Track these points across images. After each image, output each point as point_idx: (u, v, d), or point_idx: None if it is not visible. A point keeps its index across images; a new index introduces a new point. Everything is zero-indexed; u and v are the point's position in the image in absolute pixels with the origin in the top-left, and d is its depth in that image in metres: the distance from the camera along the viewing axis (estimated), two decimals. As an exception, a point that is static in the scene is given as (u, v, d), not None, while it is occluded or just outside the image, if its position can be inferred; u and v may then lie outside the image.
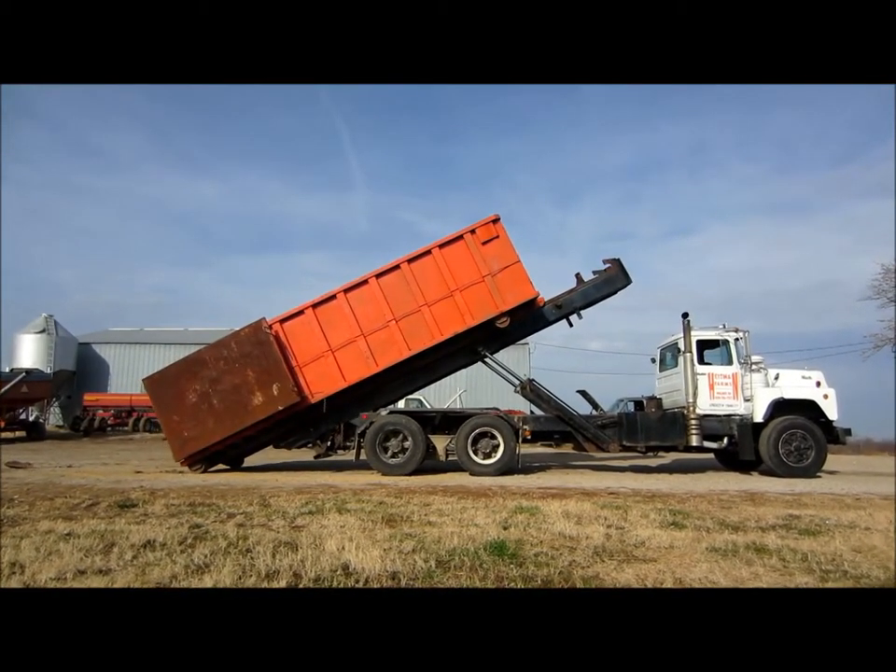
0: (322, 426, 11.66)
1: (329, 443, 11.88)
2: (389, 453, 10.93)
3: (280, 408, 10.72)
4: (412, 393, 13.45)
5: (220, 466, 11.65)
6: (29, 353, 31.14)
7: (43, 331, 31.96)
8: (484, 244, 11.02)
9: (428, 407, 20.04)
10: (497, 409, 11.81)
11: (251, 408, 10.73)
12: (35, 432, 24.75)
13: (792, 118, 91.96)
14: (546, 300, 11.87)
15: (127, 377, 35.50)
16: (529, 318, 11.94)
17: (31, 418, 27.08)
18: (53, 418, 33.36)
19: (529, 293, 11.15)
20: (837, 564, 4.10)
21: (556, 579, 3.65)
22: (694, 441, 11.13)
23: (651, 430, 11.47)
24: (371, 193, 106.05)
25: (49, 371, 29.10)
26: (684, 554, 4.36)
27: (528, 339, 30.29)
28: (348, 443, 11.67)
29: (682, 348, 11.70)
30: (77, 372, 34.28)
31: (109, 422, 30.11)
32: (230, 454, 11.66)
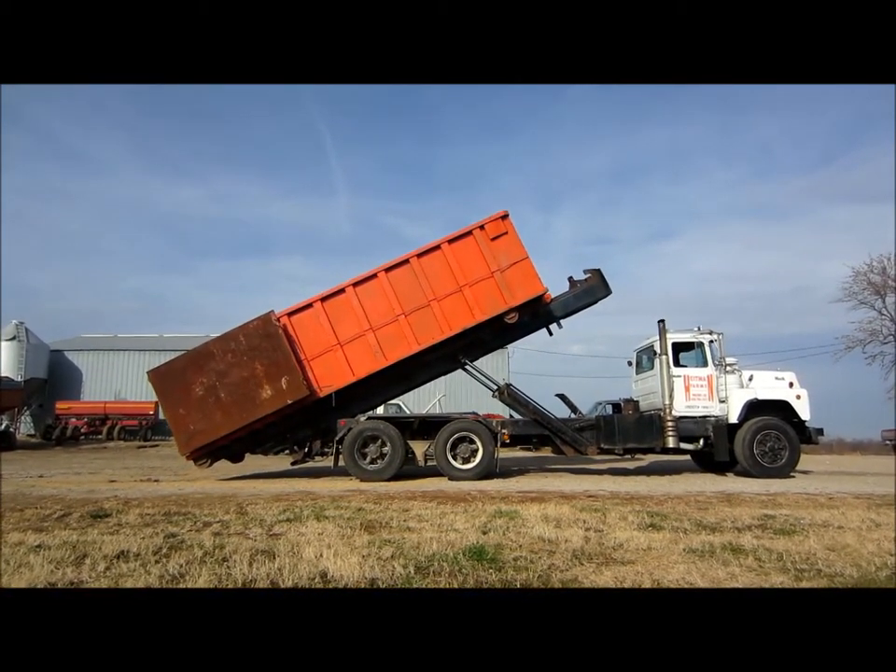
0: (330, 419, 11.47)
1: (306, 450, 11.74)
2: (368, 458, 10.87)
3: (289, 401, 10.62)
4: (394, 398, 13.40)
5: (215, 474, 11.49)
6: (-1, 361, 30.43)
7: (13, 339, 31.21)
8: (493, 239, 11.11)
9: (407, 412, 20.03)
10: (476, 413, 11.82)
11: (259, 401, 10.62)
12: (6, 442, 24.14)
13: (769, 123, 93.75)
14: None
15: (100, 384, 34.92)
16: (533, 315, 11.98)
17: (1, 427, 26.44)
18: (24, 427, 32.68)
19: (538, 289, 11.27)
20: (811, 563, 4.16)
21: (535, 583, 3.65)
22: (671, 442, 11.25)
23: (628, 433, 11.56)
24: (354, 197, 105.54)
25: (19, 379, 28.51)
26: (662, 556, 4.39)
27: (507, 343, 30.48)
28: (326, 449, 11.58)
29: (658, 351, 11.84)
30: (49, 380, 33.57)
31: (82, 430, 29.57)
32: (234, 448, 11.52)
